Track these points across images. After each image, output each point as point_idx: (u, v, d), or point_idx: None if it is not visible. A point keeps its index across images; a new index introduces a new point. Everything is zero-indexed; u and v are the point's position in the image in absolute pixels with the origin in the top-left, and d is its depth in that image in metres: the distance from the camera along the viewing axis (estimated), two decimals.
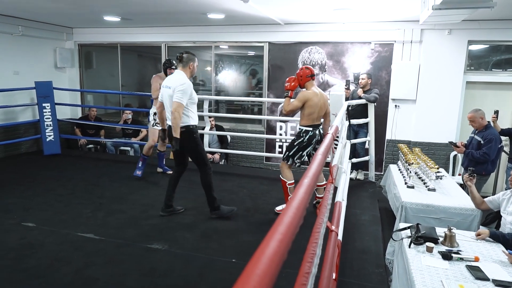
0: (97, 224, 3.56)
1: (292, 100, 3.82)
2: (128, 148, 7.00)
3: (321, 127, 3.90)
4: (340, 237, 2.29)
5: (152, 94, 4.87)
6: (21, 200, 4.12)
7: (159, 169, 5.38)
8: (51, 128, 6.41)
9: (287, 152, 3.87)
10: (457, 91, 5.61)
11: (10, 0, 4.84)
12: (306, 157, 3.87)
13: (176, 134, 3.37)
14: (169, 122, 3.57)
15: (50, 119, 6.41)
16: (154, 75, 4.90)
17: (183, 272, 2.76)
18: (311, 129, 3.79)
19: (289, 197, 3.88)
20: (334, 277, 1.86)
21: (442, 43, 5.55)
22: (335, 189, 2.76)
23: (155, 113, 4.88)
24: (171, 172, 4.99)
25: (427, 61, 5.66)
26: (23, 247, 3.04)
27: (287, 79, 3.88)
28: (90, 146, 7.19)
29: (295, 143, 3.83)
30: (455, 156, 5.72)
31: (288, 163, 3.85)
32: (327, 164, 2.72)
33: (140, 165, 5.05)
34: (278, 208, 4.04)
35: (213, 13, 5.36)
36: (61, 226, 3.48)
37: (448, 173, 5.34)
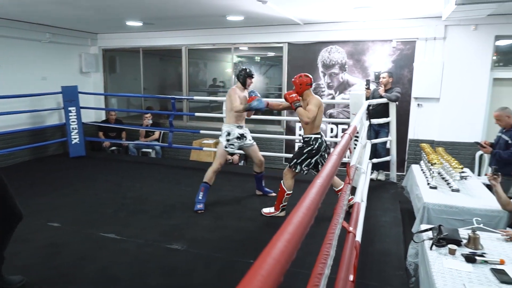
0: (120, 224, 3.66)
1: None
2: (150, 150, 7.15)
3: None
4: (358, 238, 2.26)
5: (234, 107, 4.05)
6: (48, 201, 4.28)
7: (259, 192, 4.64)
8: (76, 131, 6.63)
9: (295, 160, 3.80)
10: (483, 88, 5.42)
11: (39, 9, 5.05)
12: (314, 165, 3.81)
13: None
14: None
15: (76, 123, 6.63)
16: (233, 87, 4.19)
17: (203, 272, 2.80)
18: (319, 136, 3.76)
19: (281, 205, 3.87)
20: (351, 279, 1.84)
21: (467, 39, 5.37)
22: (354, 189, 2.73)
23: (229, 133, 4.16)
24: (273, 194, 4.51)
25: (451, 58, 5.50)
26: (50, 246, 3.16)
27: (285, 94, 3.80)
28: (113, 148, 7.38)
29: (304, 151, 3.77)
30: (481, 156, 5.52)
31: (296, 170, 3.79)
32: (345, 165, 2.68)
33: (201, 198, 4.06)
34: (265, 210, 3.99)
35: (232, 15, 5.40)
36: (85, 226, 3.59)
37: (474, 173, 5.16)
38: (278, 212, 3.91)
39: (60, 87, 6.52)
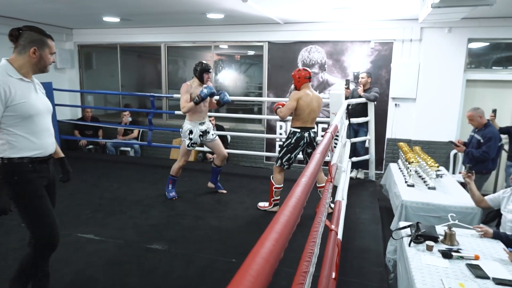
0: (97, 224, 3.57)
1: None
2: (128, 149, 7.00)
3: (312, 130, 3.82)
4: (340, 236, 2.28)
5: (181, 107, 3.95)
6: None
7: (211, 184, 4.61)
8: None
9: (278, 154, 3.88)
10: (457, 89, 5.60)
11: (8, 2, 4.84)
12: (297, 158, 3.87)
13: None
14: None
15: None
16: (186, 83, 4.02)
17: (184, 272, 2.76)
18: (298, 130, 3.76)
19: (273, 199, 3.93)
20: (334, 276, 1.86)
21: (442, 41, 5.54)
22: (335, 188, 2.76)
23: (191, 131, 4.06)
24: (224, 191, 4.53)
25: (427, 59, 5.65)
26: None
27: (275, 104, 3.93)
28: (90, 146, 7.19)
29: (283, 145, 3.84)
30: (455, 155, 5.71)
31: (277, 165, 3.85)
32: (326, 163, 2.71)
33: (170, 188, 4.28)
34: (261, 204, 4.07)
35: (212, 13, 5.36)
36: (61, 227, 3.44)
37: (448, 171, 5.33)
38: (271, 207, 3.97)
39: None
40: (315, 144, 3.87)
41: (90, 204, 4.11)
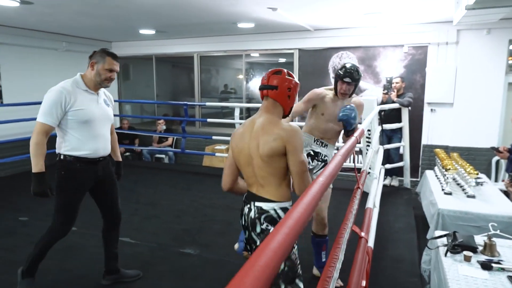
0: (133, 228, 3.71)
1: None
2: (163, 156, 7.23)
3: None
4: (371, 244, 2.24)
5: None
6: None
7: None
8: None
9: None
10: (498, 93, 5.33)
11: (57, 18, 5.20)
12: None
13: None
14: None
15: None
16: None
17: (214, 276, 2.81)
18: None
19: None
20: (364, 285, 1.83)
21: (480, 43, 5.31)
22: (365, 195, 2.71)
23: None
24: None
25: (464, 62, 5.44)
26: (66, 249, 3.22)
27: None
28: (127, 154, 7.49)
29: None
30: (498, 162, 5.42)
31: None
32: (354, 170, 2.67)
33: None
34: None
35: (243, 22, 5.47)
36: (100, 230, 3.64)
37: (490, 179, 5.07)
38: None
39: None
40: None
41: (127, 208, 4.27)
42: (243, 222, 1.88)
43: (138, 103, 8.13)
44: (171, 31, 6.38)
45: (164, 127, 7.09)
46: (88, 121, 2.37)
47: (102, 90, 2.55)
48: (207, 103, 7.02)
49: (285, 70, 1.90)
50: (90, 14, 4.85)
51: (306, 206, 0.79)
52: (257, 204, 1.77)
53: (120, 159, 2.84)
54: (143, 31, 6.35)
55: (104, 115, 2.49)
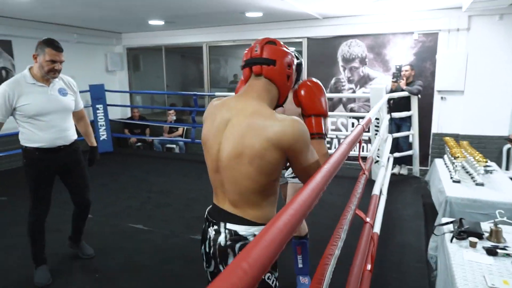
0: (146, 215, 3.82)
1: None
2: (174, 146, 7.33)
3: None
4: (377, 230, 2.29)
5: None
6: None
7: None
8: (104, 128, 6.88)
9: None
10: (510, 80, 5.25)
11: (68, 11, 5.28)
12: None
13: None
14: None
15: (103, 120, 6.88)
16: None
17: None
18: None
19: None
20: (369, 268, 1.88)
21: (492, 29, 5.22)
22: (370, 181, 2.75)
23: None
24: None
25: (476, 49, 5.36)
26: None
27: None
28: (139, 144, 7.62)
29: None
30: (509, 150, 5.37)
31: None
32: (358, 159, 2.70)
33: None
34: None
35: (251, 11, 5.47)
36: (114, 217, 3.77)
37: (501, 168, 5.03)
38: None
39: (88, 86, 6.78)
40: None
41: (139, 197, 4.39)
42: (207, 249, 1.33)
43: (148, 93, 8.21)
44: (180, 21, 6.41)
45: (175, 118, 7.18)
46: (36, 115, 2.40)
47: (59, 79, 2.55)
48: (217, 93, 7.06)
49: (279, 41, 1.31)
50: (99, 5, 4.91)
51: (310, 192, 0.82)
52: (230, 226, 1.25)
53: (94, 144, 2.89)
54: (152, 22, 6.39)
55: (57, 106, 2.49)
